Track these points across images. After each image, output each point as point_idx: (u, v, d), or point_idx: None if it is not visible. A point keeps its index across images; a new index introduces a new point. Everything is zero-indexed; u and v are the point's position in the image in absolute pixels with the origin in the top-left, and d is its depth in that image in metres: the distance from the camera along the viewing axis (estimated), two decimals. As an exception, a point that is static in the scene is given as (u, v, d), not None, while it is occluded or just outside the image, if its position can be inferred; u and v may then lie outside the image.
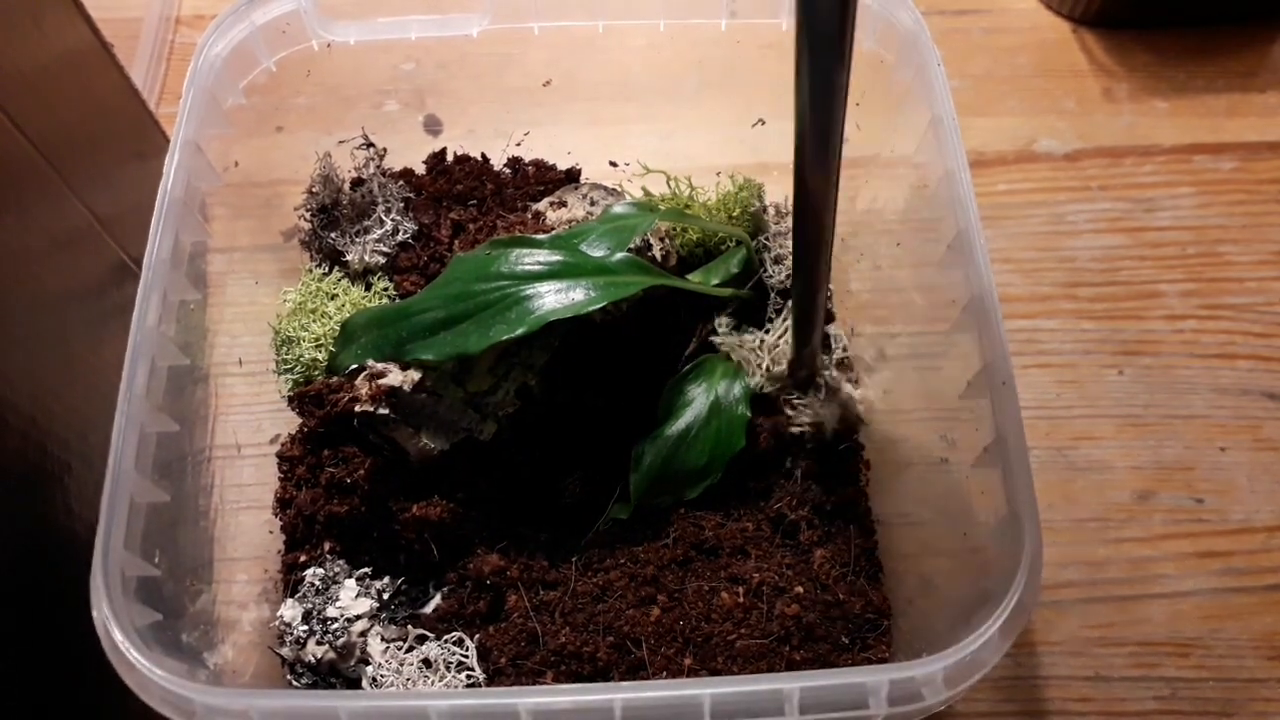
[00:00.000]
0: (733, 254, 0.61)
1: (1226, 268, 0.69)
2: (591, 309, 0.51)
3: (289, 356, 0.59)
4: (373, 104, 0.68)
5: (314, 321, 0.60)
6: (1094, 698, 0.56)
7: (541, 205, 0.64)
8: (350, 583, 0.52)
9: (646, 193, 0.62)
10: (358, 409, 0.51)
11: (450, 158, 0.68)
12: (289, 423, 0.57)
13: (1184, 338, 0.67)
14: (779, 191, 0.63)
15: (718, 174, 0.64)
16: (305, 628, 0.51)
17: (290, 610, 0.51)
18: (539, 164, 0.68)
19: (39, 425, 0.47)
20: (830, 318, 0.62)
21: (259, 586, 0.55)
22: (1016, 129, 0.75)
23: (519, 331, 0.50)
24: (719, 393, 0.56)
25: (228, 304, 0.59)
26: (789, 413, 0.57)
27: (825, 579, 0.52)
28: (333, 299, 0.61)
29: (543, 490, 0.55)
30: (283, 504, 0.55)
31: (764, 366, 0.57)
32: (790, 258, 0.58)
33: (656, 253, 0.59)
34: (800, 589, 0.51)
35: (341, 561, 0.53)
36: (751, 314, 0.60)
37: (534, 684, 0.49)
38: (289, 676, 0.51)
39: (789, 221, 0.60)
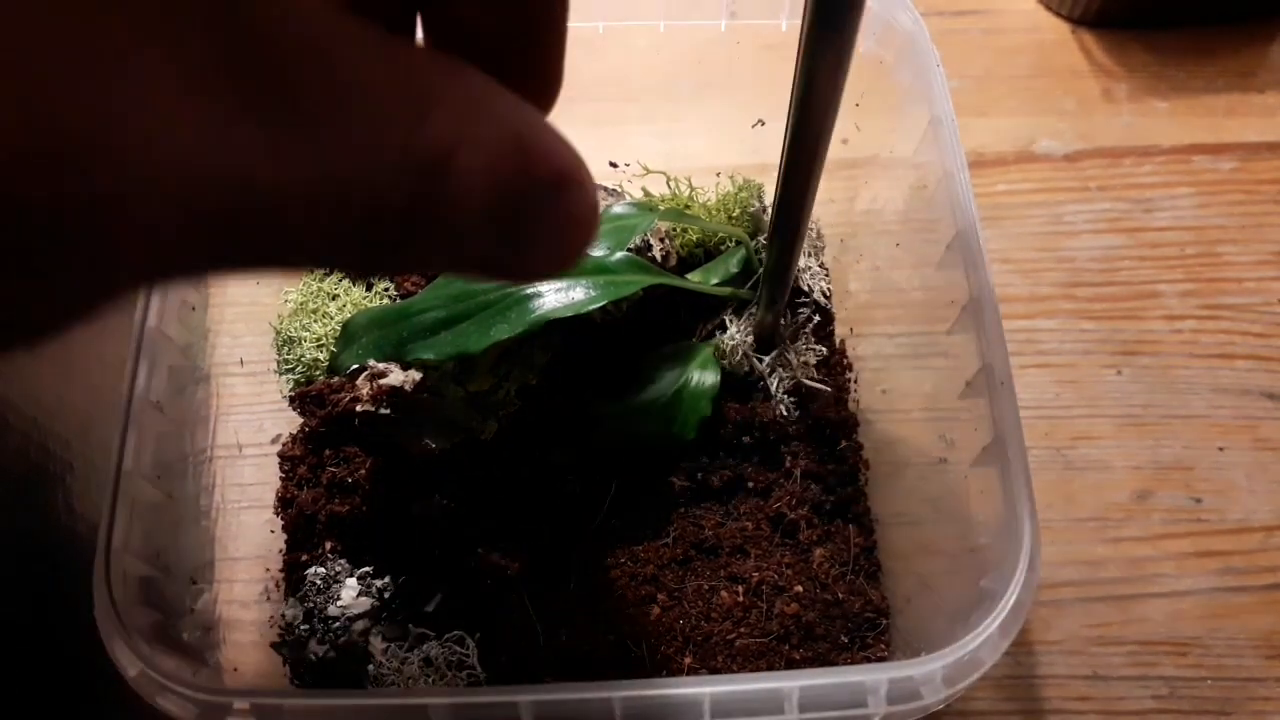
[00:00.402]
0: (732, 254, 0.61)
1: (1225, 268, 0.69)
2: (592, 308, 0.51)
3: (290, 356, 0.59)
4: (373, 104, 0.68)
5: (315, 321, 0.60)
6: (1092, 696, 0.56)
7: (542, 205, 0.64)
8: (351, 582, 0.52)
9: (646, 193, 0.62)
10: (359, 409, 0.51)
11: (450, 158, 0.68)
12: (290, 422, 0.57)
13: (1183, 338, 0.67)
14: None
15: (718, 174, 0.64)
16: (306, 627, 0.51)
17: (291, 609, 0.51)
18: (539, 164, 0.68)
19: (40, 425, 0.47)
20: (829, 318, 0.62)
21: (260, 586, 0.55)
22: (1016, 129, 0.75)
23: (520, 330, 0.50)
24: (690, 377, 0.56)
25: (229, 304, 0.59)
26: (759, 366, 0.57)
27: (824, 578, 0.52)
28: (334, 299, 0.61)
29: (543, 490, 0.55)
30: (284, 503, 0.55)
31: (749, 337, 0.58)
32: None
33: (656, 253, 0.60)
34: (800, 588, 0.51)
35: (343, 561, 0.53)
36: (749, 313, 0.60)
37: (534, 683, 0.49)
38: (290, 676, 0.51)
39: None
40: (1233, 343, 0.67)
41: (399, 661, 0.50)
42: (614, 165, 0.67)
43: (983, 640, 0.40)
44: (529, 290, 0.51)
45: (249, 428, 0.59)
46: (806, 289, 0.62)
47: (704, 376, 0.56)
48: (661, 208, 0.60)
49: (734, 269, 0.60)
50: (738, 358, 0.58)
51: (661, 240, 0.60)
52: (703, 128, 0.67)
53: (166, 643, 0.43)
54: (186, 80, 0.15)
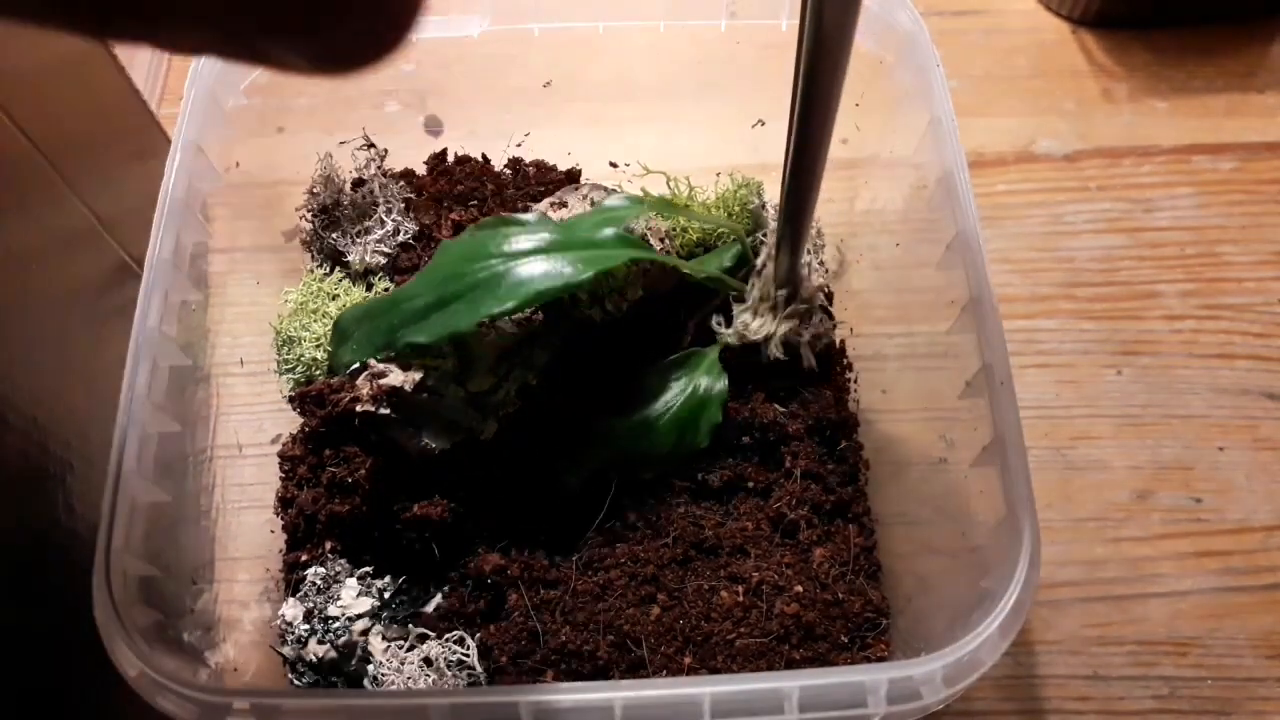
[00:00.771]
0: (727, 248, 0.61)
1: (1225, 268, 0.69)
2: (580, 280, 0.50)
3: (290, 356, 0.59)
4: (373, 105, 0.68)
5: (315, 321, 0.60)
6: (1092, 696, 0.56)
7: (542, 205, 0.64)
8: (351, 582, 0.52)
9: (646, 193, 0.62)
10: (359, 409, 0.51)
11: (451, 158, 0.68)
12: (290, 422, 0.57)
13: (1183, 338, 0.67)
14: (778, 191, 0.63)
15: (717, 174, 0.65)
16: (306, 627, 0.51)
17: (291, 609, 0.51)
18: (539, 164, 0.68)
19: (40, 425, 0.47)
20: (829, 299, 0.62)
21: (260, 586, 0.55)
22: (1016, 130, 0.75)
23: (509, 305, 0.49)
24: (698, 386, 0.56)
25: (229, 304, 0.59)
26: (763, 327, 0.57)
27: (824, 578, 0.52)
28: (334, 299, 0.61)
29: (543, 489, 0.55)
30: (284, 503, 0.55)
31: (752, 306, 0.57)
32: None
33: (656, 253, 0.60)
34: (800, 588, 0.51)
35: (343, 561, 0.53)
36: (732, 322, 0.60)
37: (535, 682, 0.49)
38: (290, 676, 0.51)
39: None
40: (1233, 343, 0.67)
41: (399, 661, 0.50)
42: (614, 165, 0.67)
43: (983, 640, 0.40)
44: (516, 266, 0.51)
45: (249, 428, 0.59)
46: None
47: (712, 382, 0.56)
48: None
49: (728, 262, 0.60)
50: (741, 329, 0.58)
51: (661, 240, 0.60)
52: (703, 127, 0.67)
53: (166, 643, 0.43)
54: None
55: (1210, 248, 0.70)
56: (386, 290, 0.62)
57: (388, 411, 0.51)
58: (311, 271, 0.63)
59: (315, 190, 0.64)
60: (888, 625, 0.52)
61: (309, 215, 0.64)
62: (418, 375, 0.52)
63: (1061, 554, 0.60)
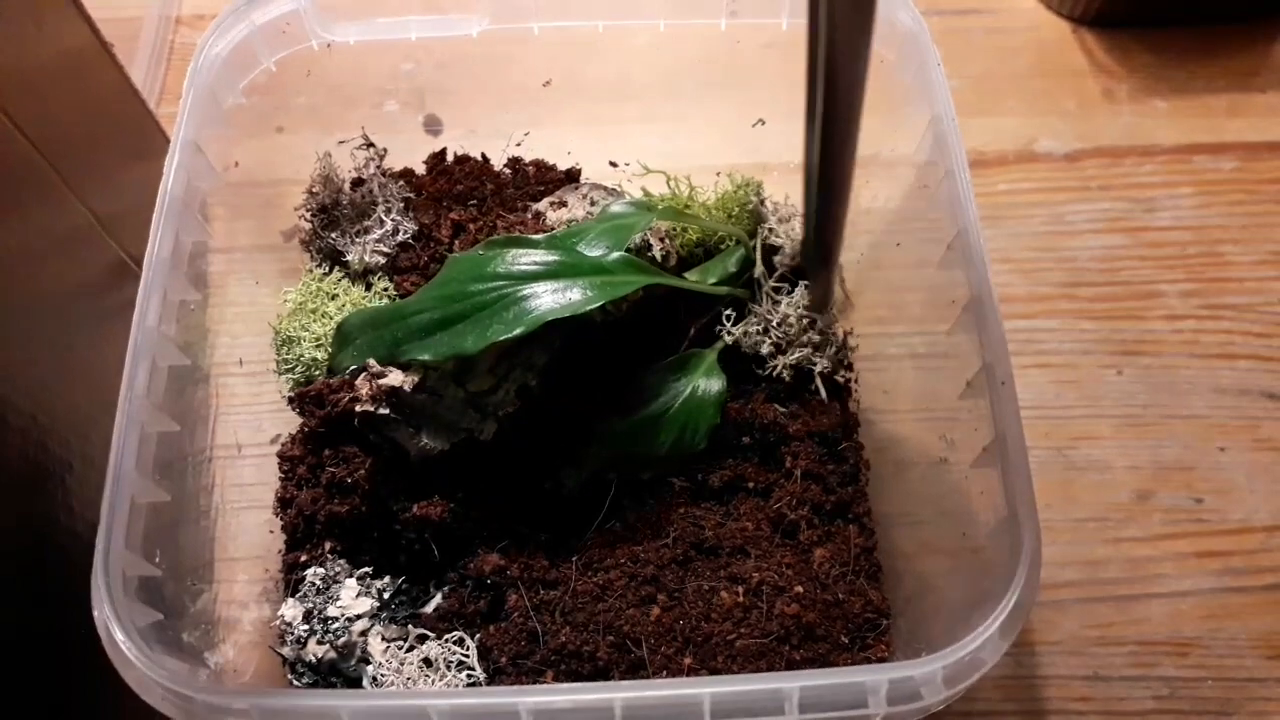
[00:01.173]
0: (731, 252, 0.61)
1: (1226, 268, 0.69)
2: (589, 309, 0.51)
3: (289, 356, 0.59)
4: (373, 104, 0.68)
5: (314, 321, 0.60)
6: (1093, 697, 0.56)
7: (542, 205, 0.64)
8: (351, 582, 0.52)
9: (646, 193, 0.62)
10: (358, 409, 0.51)
11: (450, 158, 0.68)
12: (289, 422, 0.57)
13: (1184, 338, 0.67)
14: (778, 190, 0.63)
15: (718, 174, 0.64)
16: (306, 627, 0.51)
17: (291, 610, 0.51)
18: (539, 164, 0.68)
19: (40, 424, 0.47)
20: (844, 302, 0.62)
21: (260, 586, 0.55)
22: (1016, 129, 0.75)
23: (517, 332, 0.50)
24: (696, 387, 0.56)
25: (228, 304, 0.59)
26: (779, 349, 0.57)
27: (825, 578, 0.52)
28: (333, 299, 0.61)
29: (543, 490, 0.55)
30: (283, 504, 0.55)
31: (773, 329, 0.58)
32: (794, 235, 0.59)
33: (656, 253, 0.60)
34: (800, 588, 0.51)
35: (342, 561, 0.53)
36: (740, 321, 0.60)
37: (534, 683, 0.49)
38: (290, 676, 0.51)
39: (788, 217, 0.60)
40: (1233, 342, 0.66)
41: (399, 662, 0.50)
42: (614, 165, 0.67)
43: (983, 640, 0.40)
44: (526, 290, 0.51)
45: (248, 428, 0.59)
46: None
47: (710, 384, 0.56)
48: (660, 207, 0.60)
49: (732, 268, 0.60)
50: (751, 341, 0.58)
51: (661, 240, 0.60)
52: (703, 127, 0.67)
53: (166, 643, 0.43)
54: None
55: (1211, 247, 0.70)
56: (386, 290, 0.62)
57: (387, 411, 0.51)
58: (311, 271, 0.63)
59: (314, 190, 0.64)
60: (888, 626, 0.52)
61: (308, 215, 0.64)
62: (417, 375, 0.52)
63: (1062, 554, 0.60)
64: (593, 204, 0.62)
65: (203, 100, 0.55)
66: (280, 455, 0.56)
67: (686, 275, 0.60)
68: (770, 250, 0.60)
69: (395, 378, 0.51)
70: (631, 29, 0.61)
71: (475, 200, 0.66)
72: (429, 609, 0.52)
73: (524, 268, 0.52)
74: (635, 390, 0.56)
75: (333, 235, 0.64)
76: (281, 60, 0.59)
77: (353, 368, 0.53)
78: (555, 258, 0.52)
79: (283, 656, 0.51)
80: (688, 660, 0.49)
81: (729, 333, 0.58)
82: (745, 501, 0.55)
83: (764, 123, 0.63)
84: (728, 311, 0.58)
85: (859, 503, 0.56)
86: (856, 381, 0.61)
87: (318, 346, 0.59)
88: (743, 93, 0.63)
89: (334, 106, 0.65)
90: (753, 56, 0.61)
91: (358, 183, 0.65)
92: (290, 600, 0.52)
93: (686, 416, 0.55)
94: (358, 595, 0.52)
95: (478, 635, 0.51)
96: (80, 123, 0.56)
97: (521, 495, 0.55)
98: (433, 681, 0.49)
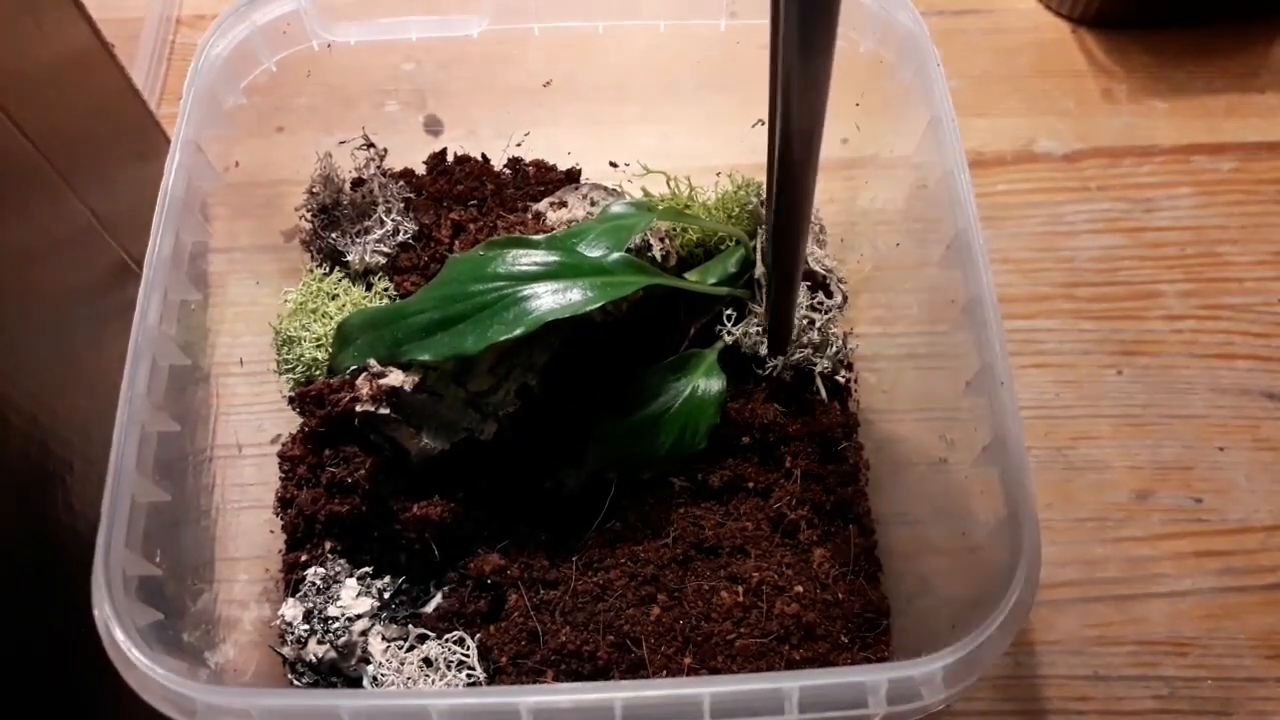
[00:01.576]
0: (731, 253, 0.61)
1: (1225, 268, 0.69)
2: (589, 309, 0.51)
3: (290, 356, 0.59)
4: (373, 104, 0.68)
5: (315, 321, 0.60)
6: (1093, 697, 0.56)
7: (542, 205, 0.64)
8: (351, 582, 0.52)
9: (646, 193, 0.62)
10: (359, 409, 0.51)
11: (451, 158, 0.68)
12: (290, 422, 0.57)
13: (1183, 338, 0.67)
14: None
15: (717, 174, 0.65)
16: (306, 627, 0.51)
17: (291, 609, 0.51)
18: (539, 164, 0.68)
19: (40, 424, 0.47)
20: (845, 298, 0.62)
21: (260, 586, 0.55)
22: (1016, 129, 0.75)
23: (517, 332, 0.50)
24: (696, 387, 0.56)
25: (229, 304, 0.59)
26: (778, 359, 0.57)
27: (825, 578, 0.52)
28: (333, 299, 0.61)
29: (544, 489, 0.55)
30: (284, 503, 0.55)
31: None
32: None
33: (656, 253, 0.60)
34: (800, 588, 0.51)
35: (342, 561, 0.53)
36: (741, 320, 0.60)
37: (534, 683, 0.49)
38: (290, 676, 0.51)
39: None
40: (1233, 343, 0.67)
41: (399, 661, 0.50)
42: (614, 165, 0.67)
43: (983, 640, 0.40)
44: (526, 291, 0.51)
45: (248, 427, 0.59)
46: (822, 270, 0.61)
47: (710, 384, 0.56)
48: (661, 207, 0.60)
49: (732, 268, 0.60)
50: (751, 342, 0.58)
51: (661, 240, 0.60)
52: (703, 128, 0.67)
53: (166, 643, 0.43)
54: None
55: (1210, 248, 0.70)
56: (386, 290, 0.62)
57: (387, 411, 0.51)
58: (311, 271, 0.63)
59: (315, 190, 0.64)
60: (888, 625, 0.52)
61: (308, 215, 0.64)
62: (417, 376, 0.52)
63: (1062, 554, 0.60)
64: (593, 204, 0.62)
65: (203, 100, 0.55)
66: (280, 455, 0.56)
67: (686, 275, 0.60)
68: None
69: (395, 378, 0.51)
70: (631, 29, 0.61)
71: (475, 200, 0.66)
72: (429, 609, 0.52)
73: (524, 268, 0.52)
74: (635, 390, 0.56)
75: (333, 235, 0.64)
76: (282, 60, 0.59)
77: (353, 368, 0.53)
78: (555, 258, 0.52)
79: (283, 656, 0.51)
80: (688, 660, 0.49)
81: (729, 333, 0.58)
82: (745, 501, 0.55)
83: (764, 123, 0.63)
84: (728, 311, 0.59)
85: (859, 502, 0.56)
86: (856, 382, 0.61)
87: (318, 346, 0.59)
88: (743, 93, 0.62)
89: (334, 107, 0.65)
90: (752, 57, 0.61)
91: (358, 183, 0.65)
92: (290, 600, 0.52)
93: (686, 416, 0.55)
94: (358, 595, 0.52)
95: (478, 635, 0.51)
96: (81, 123, 0.56)
97: (521, 495, 0.55)
98: (433, 681, 0.49)
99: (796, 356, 0.58)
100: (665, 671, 0.49)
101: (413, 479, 0.53)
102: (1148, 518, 0.61)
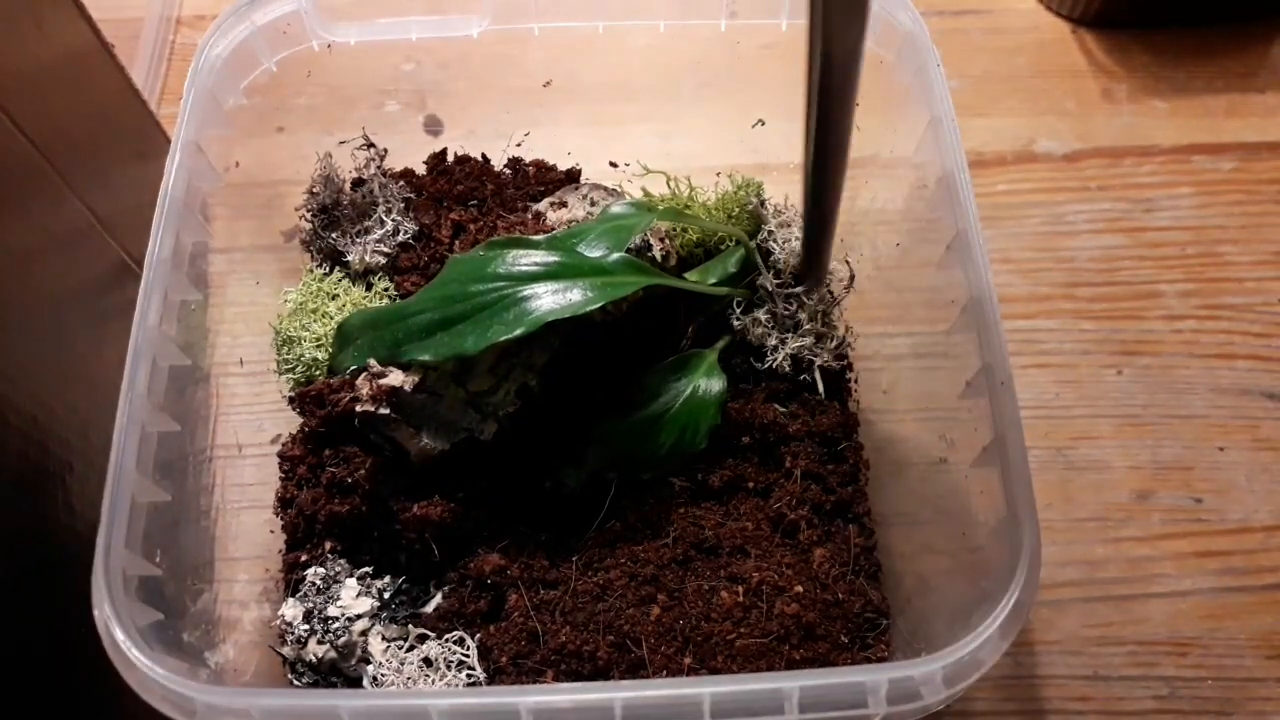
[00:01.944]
0: (731, 253, 0.61)
1: (1226, 268, 0.69)
2: (589, 309, 0.51)
3: (290, 356, 0.59)
4: (373, 104, 0.68)
5: (315, 321, 0.60)
6: (1093, 697, 0.56)
7: (542, 205, 0.64)
8: (351, 582, 0.52)
9: (646, 193, 0.62)
10: (359, 409, 0.51)
11: (451, 158, 0.68)
12: (290, 422, 0.57)
13: (1183, 338, 0.67)
14: (778, 191, 0.63)
15: (717, 174, 0.65)
16: (306, 627, 0.51)
17: (291, 609, 0.51)
18: (539, 164, 0.68)
19: (40, 424, 0.47)
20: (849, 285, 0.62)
21: (260, 586, 0.55)
22: (1016, 129, 0.75)
23: (517, 332, 0.50)
24: (697, 387, 0.56)
25: (229, 304, 0.59)
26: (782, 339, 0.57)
27: (825, 578, 0.52)
28: (334, 299, 0.61)
29: (544, 489, 0.55)
30: (284, 503, 0.55)
31: (780, 316, 0.58)
32: (792, 242, 0.59)
33: (656, 253, 0.60)
34: (800, 588, 0.51)
35: (342, 561, 0.53)
36: (750, 311, 0.60)
37: (534, 683, 0.49)
38: (290, 676, 0.51)
39: (788, 222, 0.60)
40: (1233, 342, 0.67)
41: (399, 661, 0.50)
42: (614, 165, 0.67)
43: (983, 640, 0.40)
44: (526, 291, 0.51)
45: (248, 428, 0.59)
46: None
47: (710, 384, 0.56)
48: (661, 207, 0.60)
49: (732, 268, 0.60)
50: (758, 330, 0.58)
51: (661, 240, 0.60)
52: (703, 128, 0.67)
53: (166, 643, 0.43)
54: None
55: (1210, 248, 0.70)
56: (386, 290, 0.62)
57: (387, 411, 0.51)
58: (311, 271, 0.63)
59: (315, 190, 0.64)
60: (888, 625, 0.52)
61: (309, 215, 0.64)
62: (417, 376, 0.52)
63: (1062, 554, 0.60)
64: (593, 204, 0.62)
65: (203, 101, 0.55)
66: (280, 455, 0.56)
67: (686, 276, 0.60)
68: (770, 252, 0.60)
69: (395, 378, 0.52)
70: (631, 29, 0.61)
71: (475, 200, 0.66)
72: (429, 609, 0.52)
73: (524, 268, 0.52)
74: (635, 390, 0.56)
75: (333, 235, 0.64)
76: (282, 61, 0.59)
77: (353, 368, 0.53)
78: (555, 258, 0.52)
79: (283, 656, 0.51)
80: (688, 660, 0.49)
81: (737, 318, 0.58)
82: (745, 501, 0.55)
83: (764, 123, 0.63)
84: (736, 299, 0.59)
85: (859, 502, 0.56)
86: (856, 381, 0.61)
87: (318, 346, 0.59)
88: (742, 93, 0.63)
89: (334, 107, 0.65)
90: (752, 57, 0.61)
91: (358, 183, 0.65)
92: (290, 600, 0.52)
93: (687, 416, 0.55)
94: (358, 595, 0.52)
95: (478, 635, 0.51)
96: (81, 123, 0.56)
97: (521, 495, 0.55)
98: (433, 681, 0.49)
99: (795, 345, 0.57)
100: (665, 671, 0.49)
101: (413, 479, 0.53)
102: (1148, 518, 0.61)
